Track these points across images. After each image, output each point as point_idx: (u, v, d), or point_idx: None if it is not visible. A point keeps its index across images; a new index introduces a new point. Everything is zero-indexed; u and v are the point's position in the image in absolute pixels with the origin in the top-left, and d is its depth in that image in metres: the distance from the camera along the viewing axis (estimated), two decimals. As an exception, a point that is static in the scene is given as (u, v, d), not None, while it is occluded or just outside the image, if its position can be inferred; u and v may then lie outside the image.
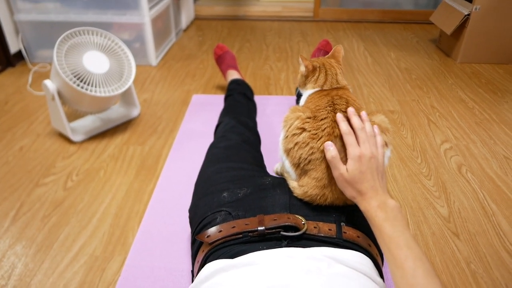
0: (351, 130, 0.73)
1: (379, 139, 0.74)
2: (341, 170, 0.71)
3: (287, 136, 0.80)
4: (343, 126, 0.73)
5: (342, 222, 0.74)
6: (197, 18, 3.33)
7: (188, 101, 1.86)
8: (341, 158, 0.72)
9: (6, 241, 1.09)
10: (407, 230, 0.64)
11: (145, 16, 2.13)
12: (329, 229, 0.72)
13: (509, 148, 1.51)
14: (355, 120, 0.74)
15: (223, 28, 3.06)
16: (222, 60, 1.87)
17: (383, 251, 0.64)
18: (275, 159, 1.39)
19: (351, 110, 0.76)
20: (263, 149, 1.40)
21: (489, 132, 1.61)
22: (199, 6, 3.41)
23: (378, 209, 0.66)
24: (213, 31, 2.98)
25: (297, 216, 0.73)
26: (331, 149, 0.73)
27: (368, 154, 0.70)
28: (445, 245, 1.08)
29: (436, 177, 1.35)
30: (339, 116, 0.75)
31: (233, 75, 1.79)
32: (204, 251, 0.75)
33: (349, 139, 0.72)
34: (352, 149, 0.71)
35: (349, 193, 0.71)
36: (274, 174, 0.98)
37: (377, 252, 0.74)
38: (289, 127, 0.79)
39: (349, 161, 0.71)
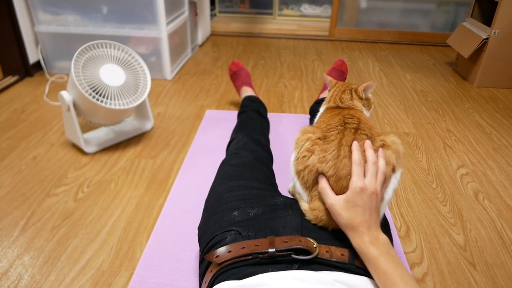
0: (361, 161, 0.72)
1: (383, 171, 0.73)
2: (331, 200, 0.71)
3: (297, 158, 0.79)
4: (355, 155, 0.72)
5: (356, 248, 0.71)
6: (213, 34, 3.37)
7: (202, 116, 1.86)
8: (345, 185, 0.71)
9: (15, 251, 1.08)
10: (401, 264, 0.64)
11: (162, 31, 2.16)
12: (342, 254, 0.70)
13: (528, 176, 1.47)
14: (370, 152, 0.73)
15: (239, 44, 3.09)
16: (237, 77, 1.88)
17: (379, 287, 0.63)
18: (287, 178, 1.37)
19: (368, 143, 0.75)
20: (275, 167, 1.38)
21: (507, 159, 1.57)
22: (215, 23, 3.46)
23: (370, 245, 0.66)
24: (229, 47, 3.01)
25: (309, 239, 0.71)
26: (322, 181, 0.74)
27: (371, 189, 0.70)
28: (461, 275, 1.04)
29: (452, 203, 1.32)
30: (355, 145, 0.74)
31: (247, 92, 1.79)
32: (212, 271, 0.74)
33: (357, 169, 0.71)
34: (356, 180, 0.70)
35: (342, 223, 0.70)
36: (286, 194, 0.96)
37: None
38: (300, 149, 0.78)
39: (349, 191, 0.70)
